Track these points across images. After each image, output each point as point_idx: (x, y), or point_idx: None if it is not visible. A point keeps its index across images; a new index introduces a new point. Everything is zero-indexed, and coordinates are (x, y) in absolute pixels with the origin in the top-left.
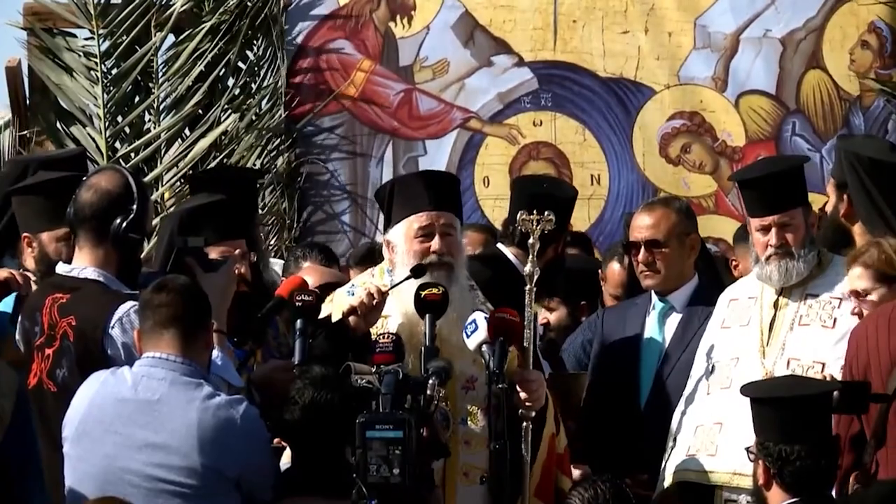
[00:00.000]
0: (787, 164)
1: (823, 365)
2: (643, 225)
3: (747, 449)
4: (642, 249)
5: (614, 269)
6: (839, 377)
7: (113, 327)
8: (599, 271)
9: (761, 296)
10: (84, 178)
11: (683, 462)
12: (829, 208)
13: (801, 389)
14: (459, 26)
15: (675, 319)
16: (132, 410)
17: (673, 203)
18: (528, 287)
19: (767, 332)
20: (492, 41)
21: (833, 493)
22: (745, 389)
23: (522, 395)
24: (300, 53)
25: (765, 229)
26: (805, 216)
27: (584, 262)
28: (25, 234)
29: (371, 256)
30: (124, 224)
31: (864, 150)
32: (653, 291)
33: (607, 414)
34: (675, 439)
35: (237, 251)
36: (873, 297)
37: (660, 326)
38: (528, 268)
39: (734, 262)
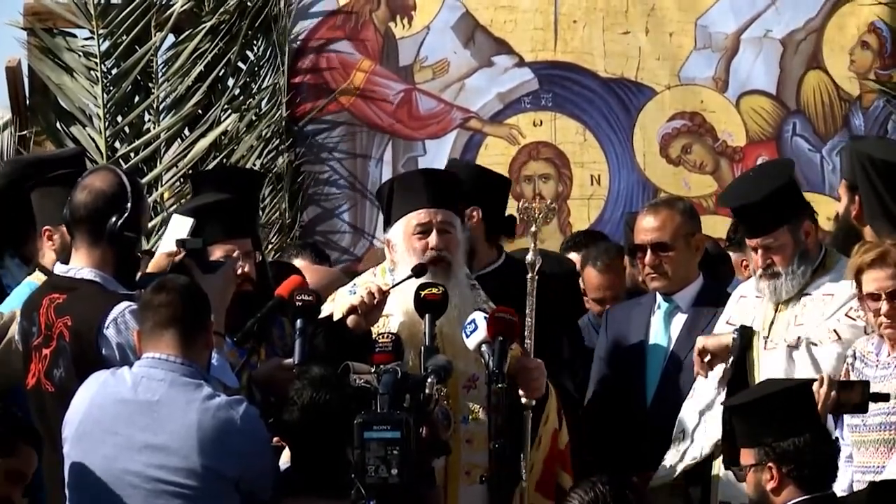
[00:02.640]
0: (766, 189)
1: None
2: (648, 227)
3: (734, 470)
4: (648, 252)
5: (590, 273)
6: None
7: (108, 327)
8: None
9: (765, 297)
10: (78, 179)
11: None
12: (840, 209)
13: (782, 384)
14: (460, 26)
15: (680, 319)
16: (132, 411)
17: (677, 204)
18: (529, 275)
19: (766, 333)
20: (492, 41)
21: None
22: (731, 405)
23: (521, 384)
24: (300, 53)
25: (754, 249)
26: (793, 232)
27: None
28: (47, 227)
29: None
30: (119, 223)
31: (877, 151)
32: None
33: (613, 413)
34: (684, 432)
35: (236, 253)
36: None
37: (665, 326)
38: (529, 256)
39: (744, 263)
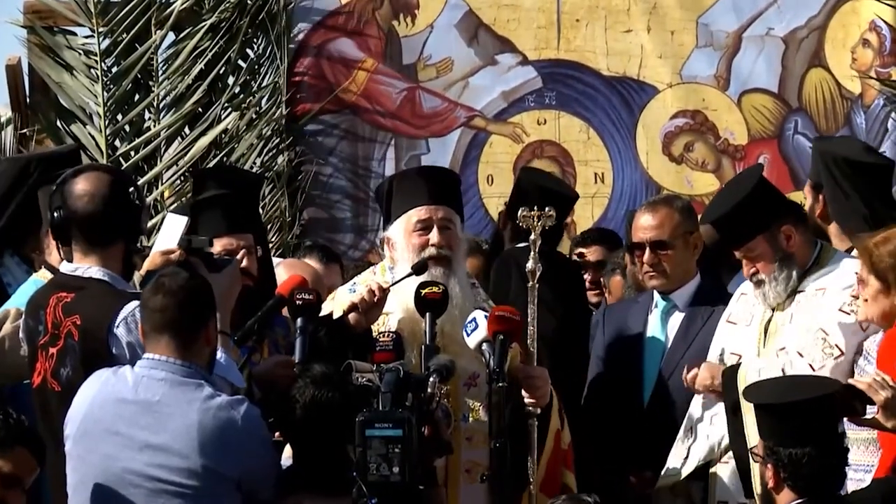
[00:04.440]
0: (731, 203)
1: (800, 354)
2: (647, 225)
3: (751, 450)
4: (647, 251)
5: (617, 281)
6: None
7: (118, 327)
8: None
9: None
10: (62, 183)
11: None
12: (807, 209)
13: (804, 393)
14: (463, 25)
15: (677, 318)
16: (133, 411)
17: (675, 202)
18: (530, 284)
19: (763, 334)
20: (496, 40)
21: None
22: (748, 395)
23: (526, 392)
24: (301, 52)
25: (740, 258)
26: (770, 240)
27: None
28: None
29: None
30: (135, 222)
31: (841, 150)
32: (655, 290)
33: (610, 411)
34: (692, 428)
35: (241, 253)
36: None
37: (662, 325)
38: (529, 264)
39: None
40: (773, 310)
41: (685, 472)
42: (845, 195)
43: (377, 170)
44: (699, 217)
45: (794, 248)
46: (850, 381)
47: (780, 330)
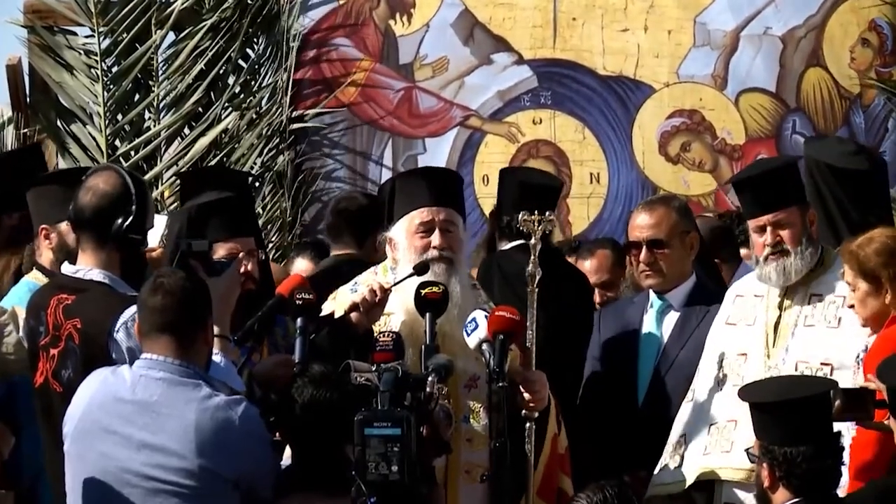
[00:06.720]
0: (778, 163)
1: (832, 367)
2: (644, 224)
3: (747, 451)
4: (644, 250)
5: (585, 266)
6: (849, 379)
7: (118, 331)
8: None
9: (767, 295)
10: (82, 179)
11: (704, 460)
12: None
13: (799, 391)
14: (459, 24)
15: (672, 318)
16: (131, 411)
17: (672, 201)
18: (529, 288)
19: (773, 333)
20: (491, 39)
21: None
22: (743, 393)
23: (526, 395)
24: (300, 52)
25: (761, 229)
26: (802, 214)
27: None
28: (43, 225)
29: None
30: (125, 225)
31: (825, 155)
32: (651, 290)
33: (605, 411)
34: (684, 435)
35: (241, 254)
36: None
37: (658, 324)
38: (529, 268)
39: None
40: (780, 309)
41: (689, 479)
42: (823, 202)
43: (374, 169)
44: (732, 177)
45: (814, 234)
46: (865, 383)
47: (790, 331)
